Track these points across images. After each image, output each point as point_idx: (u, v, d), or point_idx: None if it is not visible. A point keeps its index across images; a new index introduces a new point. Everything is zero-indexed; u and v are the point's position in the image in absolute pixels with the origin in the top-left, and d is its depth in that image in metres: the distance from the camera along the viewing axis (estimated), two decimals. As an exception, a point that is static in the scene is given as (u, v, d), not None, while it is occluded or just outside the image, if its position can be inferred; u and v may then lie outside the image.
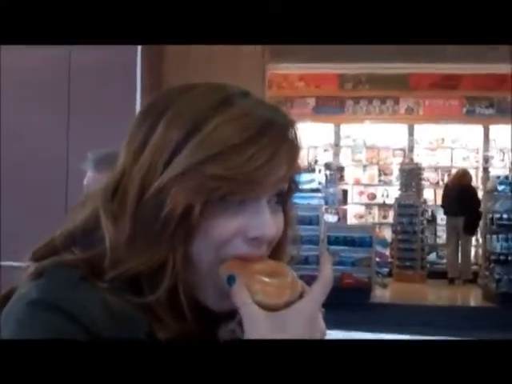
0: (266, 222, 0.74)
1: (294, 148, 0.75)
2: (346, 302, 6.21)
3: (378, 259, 7.91)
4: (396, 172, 9.86)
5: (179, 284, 0.73)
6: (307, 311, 0.71)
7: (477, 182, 9.63)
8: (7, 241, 4.70)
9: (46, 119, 4.84)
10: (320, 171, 8.62)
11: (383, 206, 10.05)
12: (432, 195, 9.94)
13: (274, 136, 0.73)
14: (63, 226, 0.78)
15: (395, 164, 10.00)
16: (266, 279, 0.72)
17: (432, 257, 9.52)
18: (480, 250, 8.93)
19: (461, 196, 8.52)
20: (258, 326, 0.69)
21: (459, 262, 8.78)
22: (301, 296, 0.72)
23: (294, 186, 0.80)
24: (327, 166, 8.63)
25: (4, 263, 4.27)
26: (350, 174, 10.12)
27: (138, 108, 5.05)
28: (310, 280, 0.74)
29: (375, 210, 10.16)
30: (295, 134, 0.76)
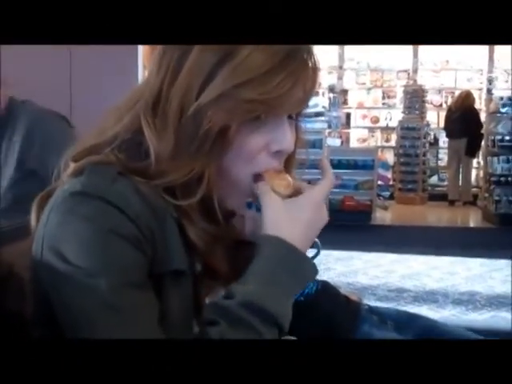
0: (287, 138, 0.86)
1: (313, 74, 0.86)
2: (348, 224, 6.38)
3: (380, 182, 8.01)
4: (400, 95, 9.80)
5: (214, 194, 0.85)
6: (315, 199, 0.86)
7: (480, 103, 9.59)
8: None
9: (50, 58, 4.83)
10: (323, 94, 8.57)
11: (386, 129, 10.05)
12: (435, 118, 9.92)
13: (298, 63, 0.83)
14: (101, 134, 0.86)
15: (399, 86, 9.92)
16: (278, 176, 0.87)
17: (433, 179, 9.61)
18: (481, 173, 9.00)
19: (463, 118, 8.50)
20: (276, 207, 0.84)
21: (460, 184, 8.89)
22: (297, 192, 0.88)
23: (305, 107, 0.90)
24: (331, 88, 8.56)
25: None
26: (353, 97, 10.08)
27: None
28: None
29: (378, 134, 10.18)
30: (315, 61, 0.86)
